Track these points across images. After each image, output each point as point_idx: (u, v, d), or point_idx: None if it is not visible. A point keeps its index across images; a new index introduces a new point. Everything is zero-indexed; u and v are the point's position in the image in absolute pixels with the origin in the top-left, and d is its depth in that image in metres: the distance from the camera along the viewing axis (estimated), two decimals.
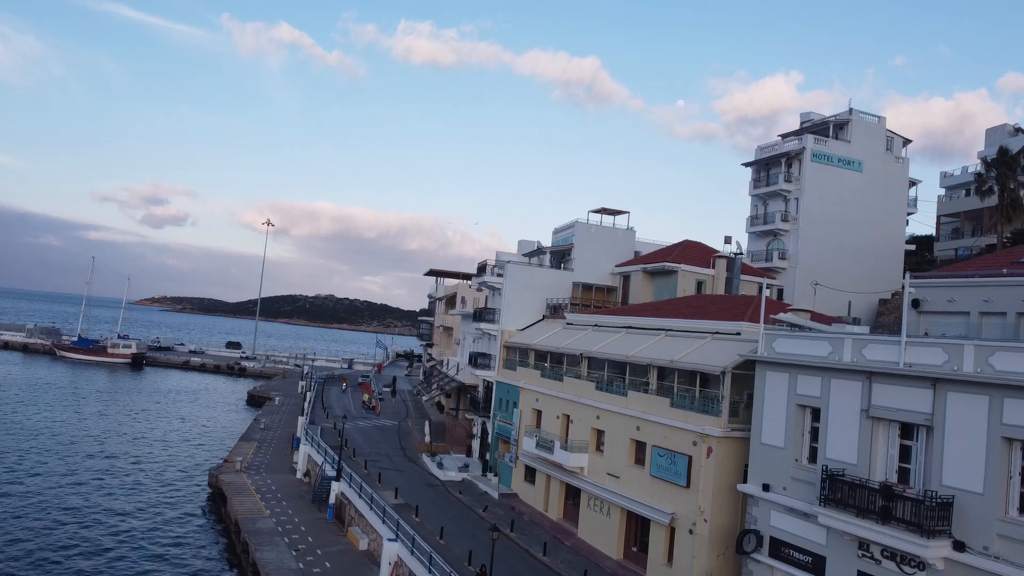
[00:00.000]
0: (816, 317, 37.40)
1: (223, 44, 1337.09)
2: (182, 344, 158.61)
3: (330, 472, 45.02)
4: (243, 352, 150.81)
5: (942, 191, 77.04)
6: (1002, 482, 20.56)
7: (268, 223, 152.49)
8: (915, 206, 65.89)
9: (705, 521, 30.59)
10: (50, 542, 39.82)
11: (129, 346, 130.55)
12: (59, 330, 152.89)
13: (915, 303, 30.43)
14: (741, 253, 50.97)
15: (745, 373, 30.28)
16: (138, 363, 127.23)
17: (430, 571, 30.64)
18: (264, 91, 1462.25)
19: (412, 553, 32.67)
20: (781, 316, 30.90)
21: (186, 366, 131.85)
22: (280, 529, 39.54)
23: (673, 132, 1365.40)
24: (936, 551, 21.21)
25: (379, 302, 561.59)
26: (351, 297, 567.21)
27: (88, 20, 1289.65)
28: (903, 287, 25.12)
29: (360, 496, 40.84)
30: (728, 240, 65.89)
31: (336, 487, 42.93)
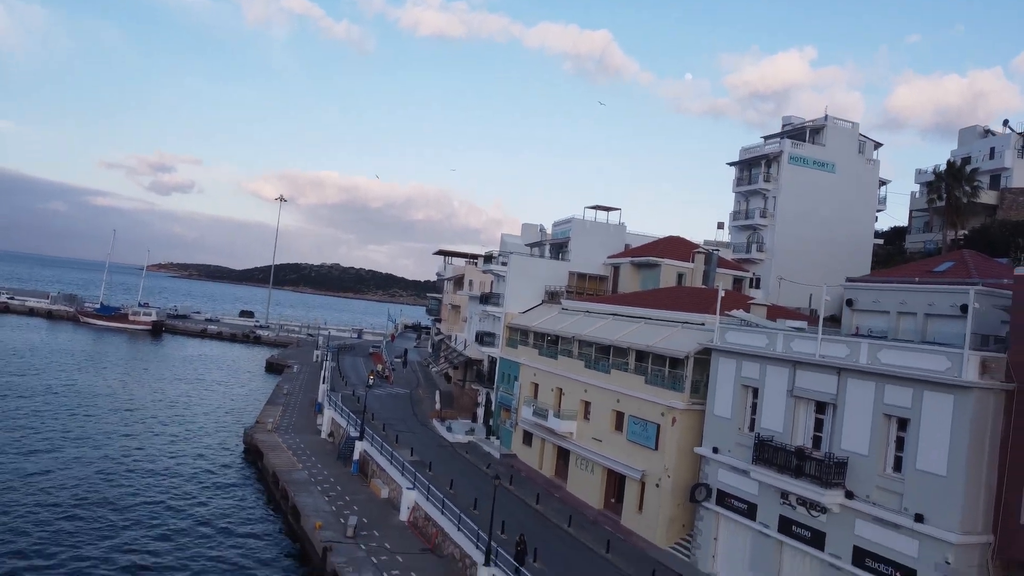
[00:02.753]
0: (774, 310, 43.91)
1: (230, 14, 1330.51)
2: (198, 312, 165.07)
3: (354, 433, 51.88)
4: (257, 321, 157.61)
5: (916, 187, 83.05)
6: (882, 447, 27.18)
7: (281, 198, 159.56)
8: (884, 203, 71.99)
9: (669, 477, 37.36)
10: (107, 496, 44.49)
11: (149, 314, 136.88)
12: (80, 298, 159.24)
13: (849, 302, 36.80)
14: (717, 250, 57.31)
15: (704, 358, 36.87)
16: (158, 331, 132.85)
17: (442, 512, 37.55)
18: (270, 61, 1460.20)
19: (427, 499, 39.60)
20: (733, 313, 37.32)
21: (203, 334, 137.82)
22: (313, 480, 46.36)
23: (682, 107, 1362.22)
24: (832, 499, 27.91)
25: (385, 271, 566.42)
26: (357, 266, 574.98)
27: None
28: (823, 293, 31.44)
29: (381, 453, 47.76)
30: (721, 226, 72.43)
31: (360, 446, 49.74)
